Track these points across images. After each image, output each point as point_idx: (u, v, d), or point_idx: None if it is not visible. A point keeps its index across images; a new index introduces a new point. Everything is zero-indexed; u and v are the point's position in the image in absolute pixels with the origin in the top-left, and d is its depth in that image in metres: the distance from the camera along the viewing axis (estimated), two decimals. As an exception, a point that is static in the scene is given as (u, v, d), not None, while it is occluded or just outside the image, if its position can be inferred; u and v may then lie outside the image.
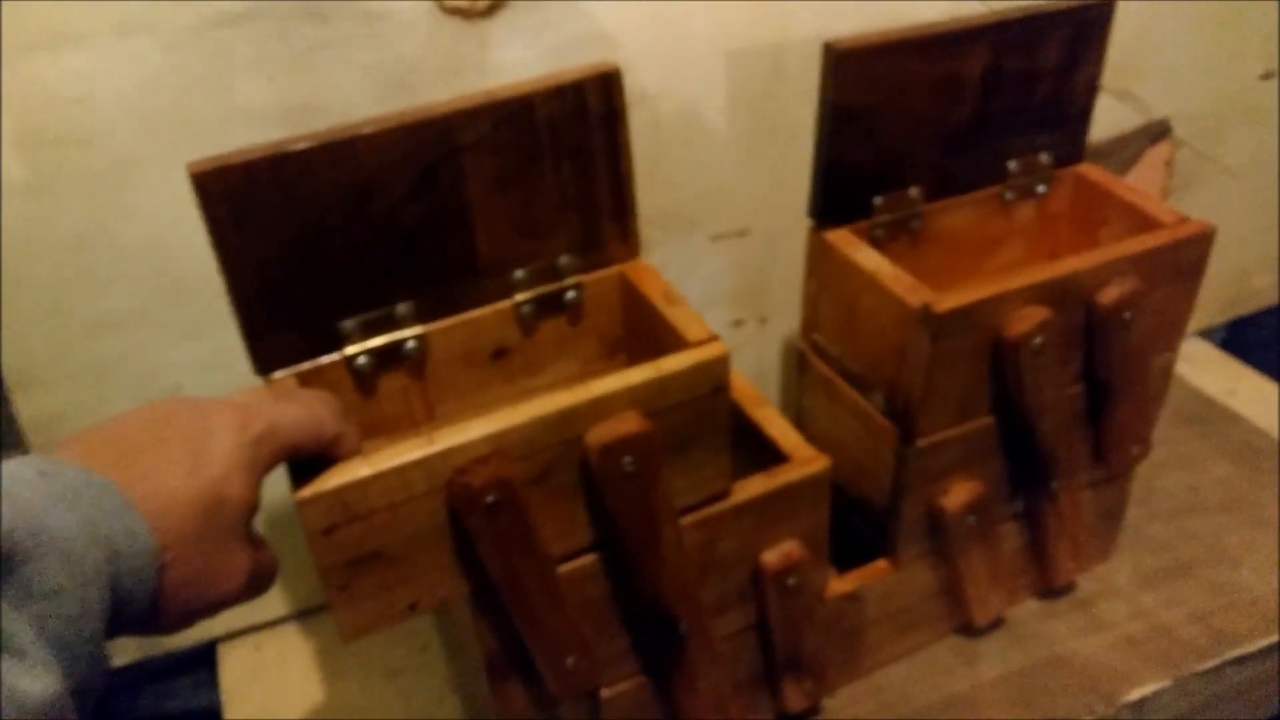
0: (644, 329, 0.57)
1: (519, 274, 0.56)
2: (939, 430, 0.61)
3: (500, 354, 0.58)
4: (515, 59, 0.65)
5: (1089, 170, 0.71)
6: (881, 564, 0.67)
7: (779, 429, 0.61)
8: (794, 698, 0.65)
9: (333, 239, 0.50)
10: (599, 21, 0.67)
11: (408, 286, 0.53)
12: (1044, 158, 0.70)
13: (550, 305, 0.58)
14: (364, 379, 0.54)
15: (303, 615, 0.78)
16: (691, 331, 0.52)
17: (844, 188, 0.64)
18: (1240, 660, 0.71)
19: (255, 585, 0.41)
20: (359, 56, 0.62)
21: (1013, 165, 0.69)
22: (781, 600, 0.60)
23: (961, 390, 0.60)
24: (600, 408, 0.48)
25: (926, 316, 0.56)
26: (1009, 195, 0.70)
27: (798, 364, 0.71)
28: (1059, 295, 0.59)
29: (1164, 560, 0.78)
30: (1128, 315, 0.61)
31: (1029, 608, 0.74)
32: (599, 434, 0.48)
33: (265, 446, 0.40)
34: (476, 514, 0.46)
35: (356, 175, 0.49)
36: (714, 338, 0.52)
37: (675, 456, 0.52)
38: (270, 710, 0.71)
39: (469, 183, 0.51)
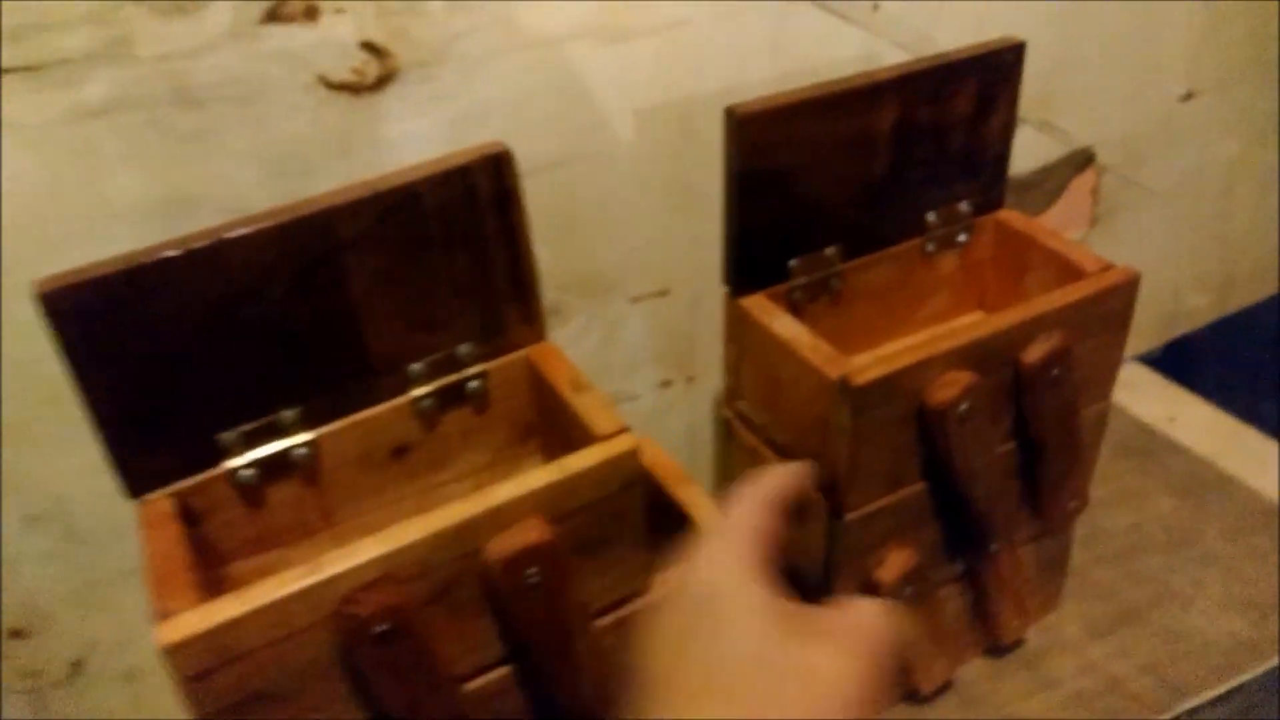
0: (553, 416, 0.54)
1: (415, 368, 0.53)
2: (870, 502, 0.59)
3: (401, 452, 0.55)
4: (410, 133, 0.62)
5: (1009, 216, 0.69)
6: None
7: (705, 512, 0.58)
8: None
9: (203, 350, 0.46)
10: (498, 89, 0.64)
11: (292, 392, 0.50)
12: (963, 206, 0.68)
13: (452, 397, 0.54)
14: (250, 492, 0.51)
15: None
16: (599, 424, 0.49)
17: (757, 253, 0.62)
18: (1194, 711, 0.69)
19: None
20: (239, 142, 0.58)
21: (932, 216, 0.67)
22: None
23: (890, 460, 0.58)
24: (500, 517, 0.45)
25: (845, 389, 0.54)
26: (930, 247, 0.68)
27: (724, 431, 0.69)
28: (983, 357, 0.57)
29: (1112, 607, 0.76)
30: (1056, 372, 0.59)
31: (977, 668, 0.72)
32: (499, 546, 0.45)
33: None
34: (367, 645, 0.43)
35: (225, 281, 0.45)
36: (622, 430, 0.49)
37: (587, 559, 0.49)
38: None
39: (353, 280, 0.48)
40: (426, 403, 0.53)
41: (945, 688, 0.70)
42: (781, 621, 0.36)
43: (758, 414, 0.64)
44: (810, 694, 0.35)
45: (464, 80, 0.63)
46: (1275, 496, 0.84)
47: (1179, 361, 1.08)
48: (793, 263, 0.63)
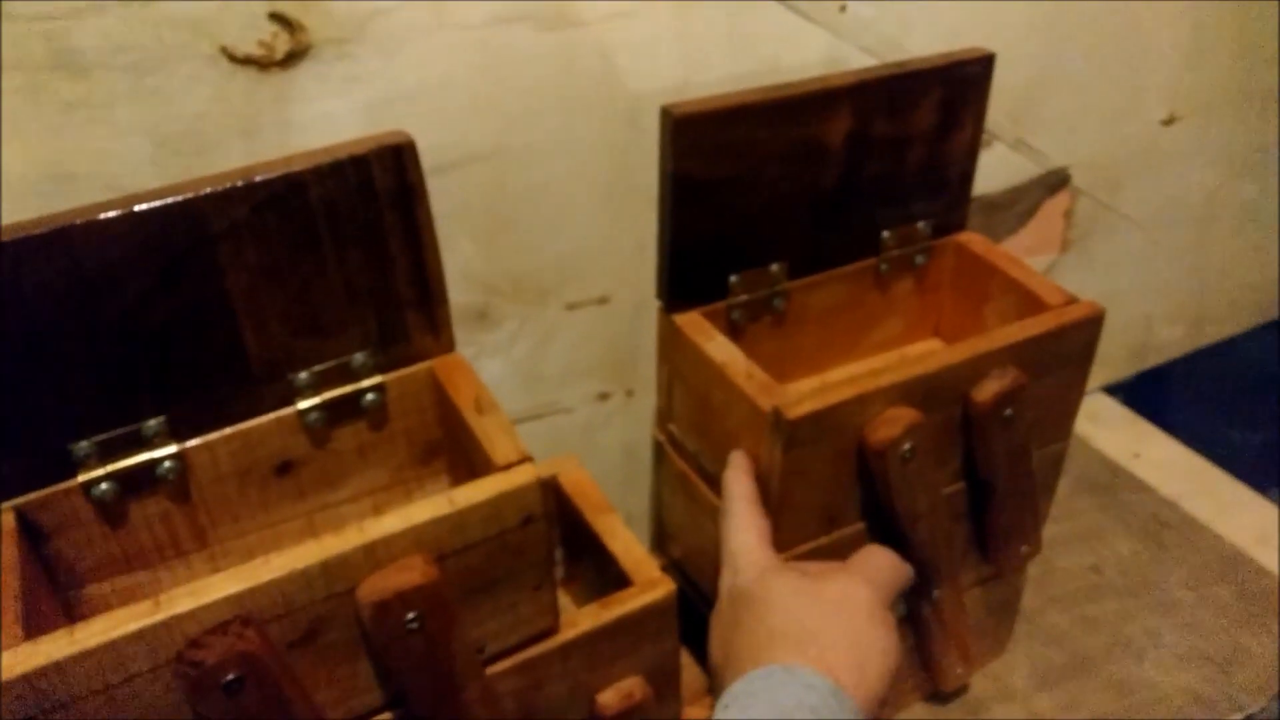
0: (457, 436, 0.49)
1: (302, 377, 0.47)
2: (803, 542, 0.54)
3: (287, 468, 0.50)
4: (323, 114, 0.57)
5: (971, 239, 0.65)
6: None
7: (623, 544, 0.54)
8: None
9: (53, 349, 0.41)
10: (424, 72, 0.59)
11: (158, 399, 0.44)
12: (921, 226, 0.63)
13: (345, 410, 0.49)
14: (109, 508, 0.45)
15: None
16: (499, 452, 0.44)
17: (694, 266, 0.57)
18: (1142, 770, 0.65)
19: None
20: (130, 116, 0.53)
21: (887, 235, 0.63)
22: (623, 745, 0.52)
23: (825, 498, 0.53)
24: (377, 554, 0.40)
25: (778, 422, 0.49)
26: (884, 268, 0.64)
27: (655, 453, 0.64)
28: (930, 393, 0.52)
29: (1062, 655, 0.72)
30: (1008, 412, 0.54)
31: (917, 712, 0.67)
32: (372, 588, 0.40)
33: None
34: (214, 695, 0.38)
35: (78, 272, 0.40)
36: (524, 459, 0.44)
37: (481, 599, 0.44)
38: None
39: (228, 277, 0.43)
40: (315, 416, 0.48)
41: (881, 738, 0.66)
42: (808, 581, 0.47)
43: (689, 439, 0.59)
44: (843, 613, 0.45)
45: (385, 61, 0.57)
46: (1239, 543, 0.81)
47: (1148, 394, 1.04)
48: (733, 279, 0.58)
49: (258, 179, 0.42)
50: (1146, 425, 0.94)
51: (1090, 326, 0.56)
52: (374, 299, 0.47)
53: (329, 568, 0.39)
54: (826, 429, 0.50)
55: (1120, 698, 0.69)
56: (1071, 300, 0.57)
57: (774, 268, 0.59)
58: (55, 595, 0.46)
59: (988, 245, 0.64)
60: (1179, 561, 0.79)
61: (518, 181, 0.64)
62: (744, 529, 0.50)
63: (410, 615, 0.41)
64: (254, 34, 0.54)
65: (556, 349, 0.71)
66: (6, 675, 0.35)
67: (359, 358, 0.48)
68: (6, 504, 0.43)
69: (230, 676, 0.38)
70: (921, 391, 0.51)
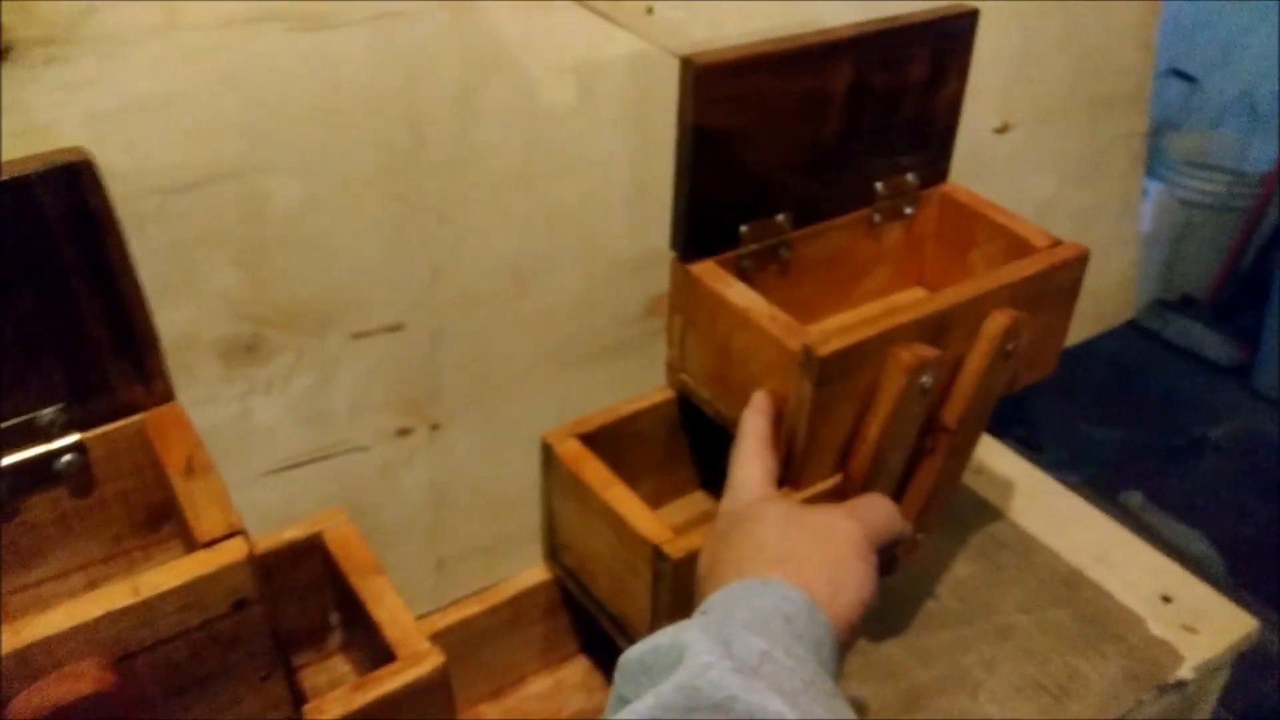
0: (174, 502, 0.42)
1: (-24, 441, 0.40)
2: (826, 477, 0.54)
3: (-32, 547, 0.42)
4: (38, 126, 0.49)
5: (955, 190, 0.66)
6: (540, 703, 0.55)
7: (388, 610, 0.47)
8: None
9: None
10: (159, 79, 0.51)
11: None
12: (910, 178, 0.64)
13: (36, 475, 0.42)
14: None
15: None
16: (205, 523, 0.38)
17: (709, 217, 0.57)
18: (977, 811, 0.62)
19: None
20: None
21: (880, 187, 0.63)
22: (390, 842, 0.45)
23: (846, 434, 0.53)
24: (36, 660, 0.33)
25: (808, 360, 0.49)
26: (877, 218, 0.64)
27: (542, 460, 0.60)
28: (941, 331, 0.53)
29: (896, 689, 0.68)
30: (1010, 347, 0.55)
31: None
32: (24, 706, 0.33)
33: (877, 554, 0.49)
34: None
35: None
36: (233, 533, 0.37)
37: (192, 700, 0.37)
38: None
39: None
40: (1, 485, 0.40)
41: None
42: (799, 509, 0.48)
43: (704, 387, 0.59)
44: (826, 540, 0.46)
45: (108, 65, 0.50)
46: (1076, 562, 0.79)
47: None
48: (744, 228, 0.58)
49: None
50: (988, 438, 0.92)
51: (1077, 265, 0.60)
52: (58, 346, 0.40)
53: (-31, 681, 0.32)
54: (852, 366, 0.51)
55: (955, 734, 0.66)
56: (1058, 242, 0.59)
57: (780, 218, 0.59)
58: None
59: (971, 195, 0.65)
60: (1016, 583, 0.77)
61: (279, 200, 0.57)
62: (751, 462, 0.51)
63: (78, 734, 0.33)
64: (-68, 30, 0.46)
65: (344, 382, 0.64)
66: None
67: (47, 414, 0.41)
68: None
69: None
70: (935, 328, 0.52)
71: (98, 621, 0.34)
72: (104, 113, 0.50)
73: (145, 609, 0.35)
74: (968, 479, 0.87)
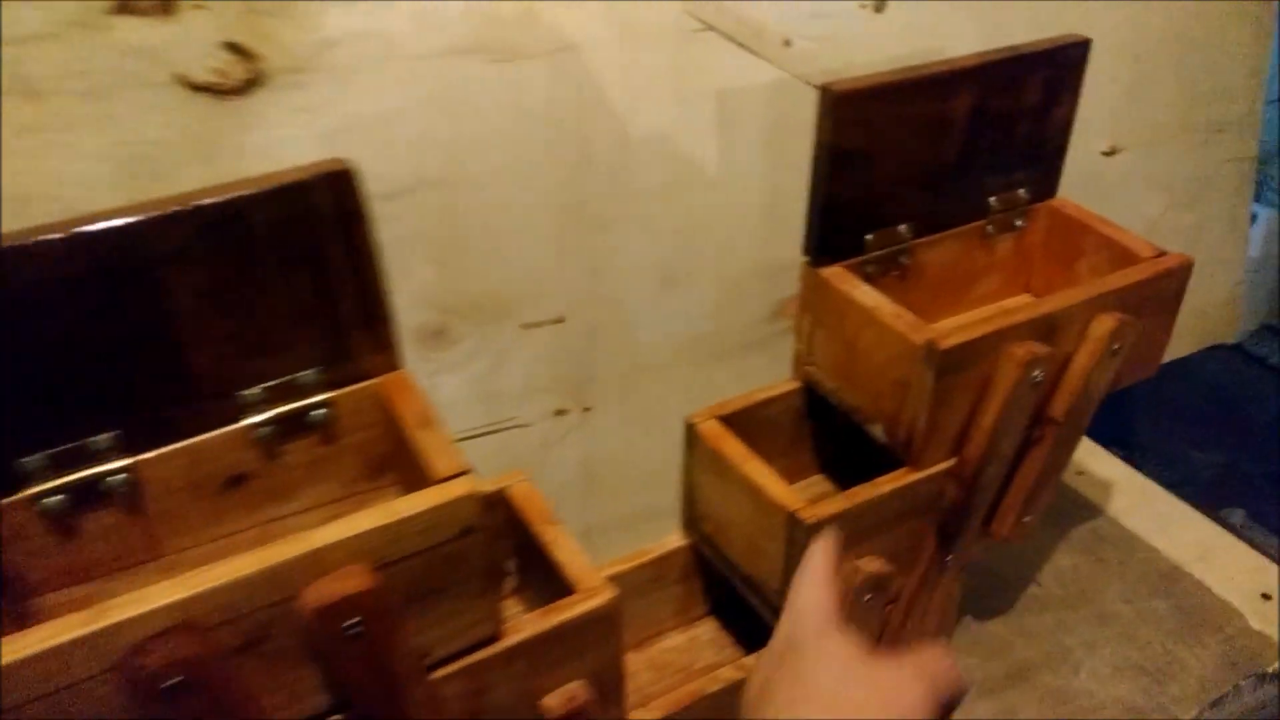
0: (404, 451, 0.51)
1: (250, 393, 0.49)
2: (937, 463, 0.61)
3: (237, 481, 0.51)
4: (281, 140, 0.59)
5: (1064, 204, 0.72)
6: (693, 689, 0.62)
7: (567, 554, 0.55)
8: None
9: (5, 365, 0.42)
10: (377, 102, 0.61)
11: (108, 416, 0.46)
12: (1022, 193, 0.70)
13: (294, 425, 0.51)
14: (60, 520, 0.47)
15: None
16: (439, 465, 0.46)
17: (838, 226, 0.64)
18: (1077, 777, 0.67)
19: None
20: (86, 141, 0.54)
21: (993, 201, 0.69)
22: (566, 748, 0.53)
23: (961, 424, 0.60)
24: (319, 562, 0.42)
25: (930, 353, 0.56)
26: (990, 229, 0.70)
27: (686, 438, 0.67)
28: (1051, 331, 0.59)
29: (1003, 664, 0.74)
30: (1116, 347, 0.61)
31: None
32: (314, 595, 0.41)
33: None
34: (156, 700, 0.39)
35: (27, 291, 0.42)
36: (463, 473, 0.46)
37: (423, 606, 0.46)
38: None
39: (173, 298, 0.45)
40: (264, 431, 0.50)
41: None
42: (859, 656, 0.44)
43: (829, 379, 0.66)
44: (885, 703, 0.42)
45: (339, 90, 0.59)
46: (1177, 559, 0.83)
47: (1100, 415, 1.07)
48: (869, 237, 0.65)
49: (201, 203, 0.44)
50: (1090, 444, 0.97)
51: (1181, 274, 0.65)
52: (320, 320, 0.49)
53: (271, 575, 0.41)
54: (970, 359, 0.57)
55: (1056, 707, 0.71)
56: (1162, 253, 0.65)
57: (902, 228, 0.66)
58: (9, 607, 0.47)
59: (1079, 208, 0.71)
60: (1117, 576, 0.82)
61: (471, 207, 0.66)
62: (817, 585, 0.48)
63: (351, 621, 0.42)
64: (209, 62, 0.56)
65: (513, 366, 0.73)
66: (-47, 679, 0.37)
67: (307, 375, 0.50)
68: (-43, 517, 0.44)
69: (172, 680, 0.39)
70: (1046, 328, 0.59)
71: (363, 535, 0.42)
72: (333, 130, 0.60)
73: (397, 528, 0.43)
74: (1073, 480, 0.92)
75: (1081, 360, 0.62)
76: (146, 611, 0.39)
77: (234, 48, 0.56)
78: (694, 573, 0.73)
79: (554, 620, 0.51)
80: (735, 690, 0.62)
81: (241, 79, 0.57)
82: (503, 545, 0.61)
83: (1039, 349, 0.58)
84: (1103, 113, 0.93)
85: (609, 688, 0.55)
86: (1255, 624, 0.77)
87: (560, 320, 0.73)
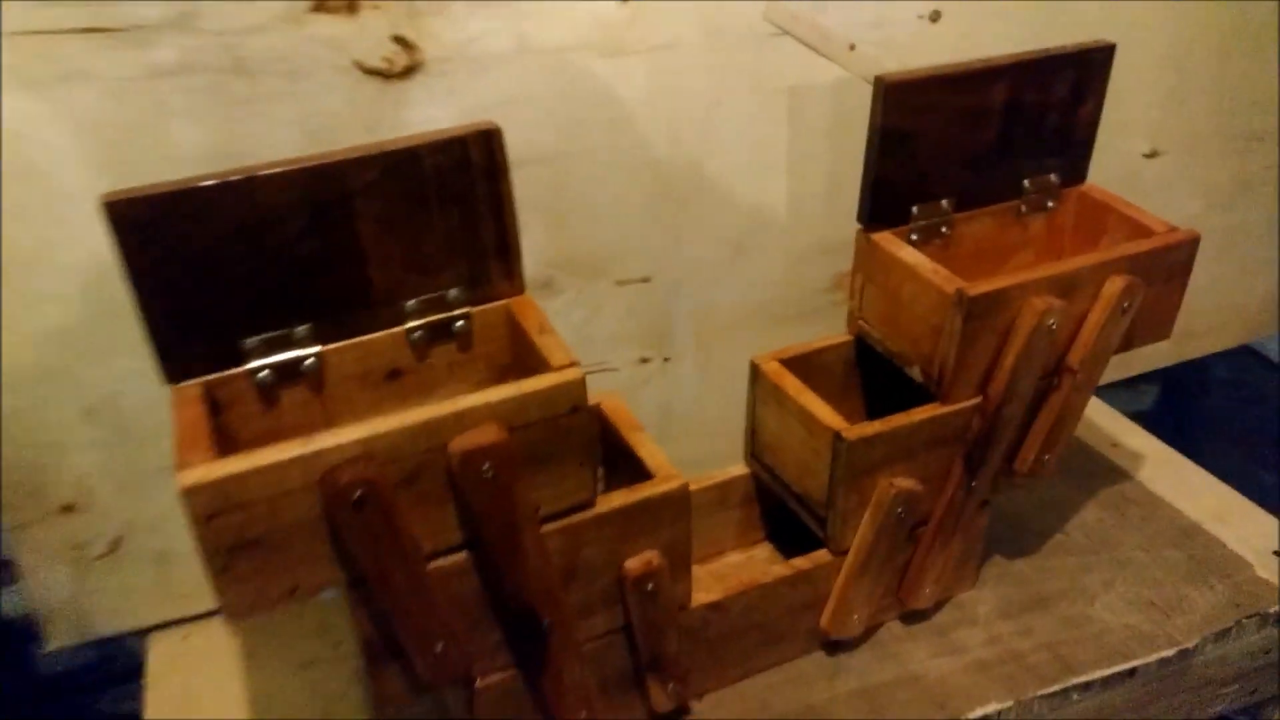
0: (525, 356, 0.64)
1: (411, 304, 0.63)
2: (965, 399, 0.72)
3: (394, 375, 0.65)
4: (429, 118, 0.73)
5: (1092, 189, 0.82)
6: (739, 566, 0.74)
7: (648, 451, 0.68)
8: (659, 698, 0.71)
9: (234, 266, 0.57)
10: (507, 87, 0.75)
11: (306, 310, 0.60)
12: (1053, 178, 0.80)
13: (441, 333, 0.64)
14: (266, 391, 0.61)
15: (225, 617, 0.84)
16: (555, 357, 0.59)
17: (888, 198, 0.75)
18: (1085, 686, 0.77)
19: None
20: (284, 111, 0.69)
21: (1027, 184, 0.80)
22: (642, 604, 0.66)
23: (984, 365, 0.71)
24: (464, 419, 0.55)
25: (960, 299, 0.67)
26: (1023, 209, 0.81)
27: (750, 377, 0.79)
28: (1069, 288, 0.70)
29: (1024, 594, 0.84)
30: (1126, 305, 0.71)
31: (892, 630, 0.80)
32: (460, 442, 0.55)
33: None
34: (344, 509, 0.53)
35: (254, 211, 0.56)
36: (573, 364, 0.59)
37: (537, 468, 0.59)
38: (187, 692, 0.77)
39: (360, 222, 0.59)
40: (418, 335, 0.64)
41: (860, 642, 0.78)
42: None
43: (877, 329, 0.77)
44: None
45: (478, 77, 0.74)
46: (1197, 518, 0.92)
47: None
48: (914, 209, 0.76)
49: (386, 149, 0.58)
50: (1127, 422, 1.06)
51: (1188, 247, 0.75)
52: (466, 249, 0.62)
53: (430, 426, 0.54)
54: (995, 307, 0.68)
55: (1071, 629, 0.81)
56: (1173, 229, 0.75)
57: (944, 202, 0.77)
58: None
59: (1105, 192, 0.81)
60: (1138, 530, 0.91)
61: (576, 179, 0.80)
62: None
63: (486, 465, 0.55)
64: (380, 52, 0.70)
65: (605, 317, 0.86)
66: (204, 480, 0.51)
67: (453, 293, 0.63)
68: (195, 380, 0.59)
69: (357, 495, 0.53)
70: (1064, 286, 0.70)
71: (497, 403, 0.55)
72: (471, 110, 0.74)
73: (523, 399, 0.56)
74: (1107, 450, 1.01)
75: (1095, 316, 0.72)
76: (341, 443, 0.53)
77: (400, 40, 0.70)
78: (754, 500, 0.85)
79: (637, 496, 0.64)
80: (783, 584, 0.74)
81: (404, 66, 0.71)
82: (595, 443, 0.73)
83: (1055, 302, 0.69)
84: (1144, 117, 1.02)
85: (678, 561, 0.67)
86: (1262, 573, 0.86)
87: (647, 280, 0.86)
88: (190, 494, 0.50)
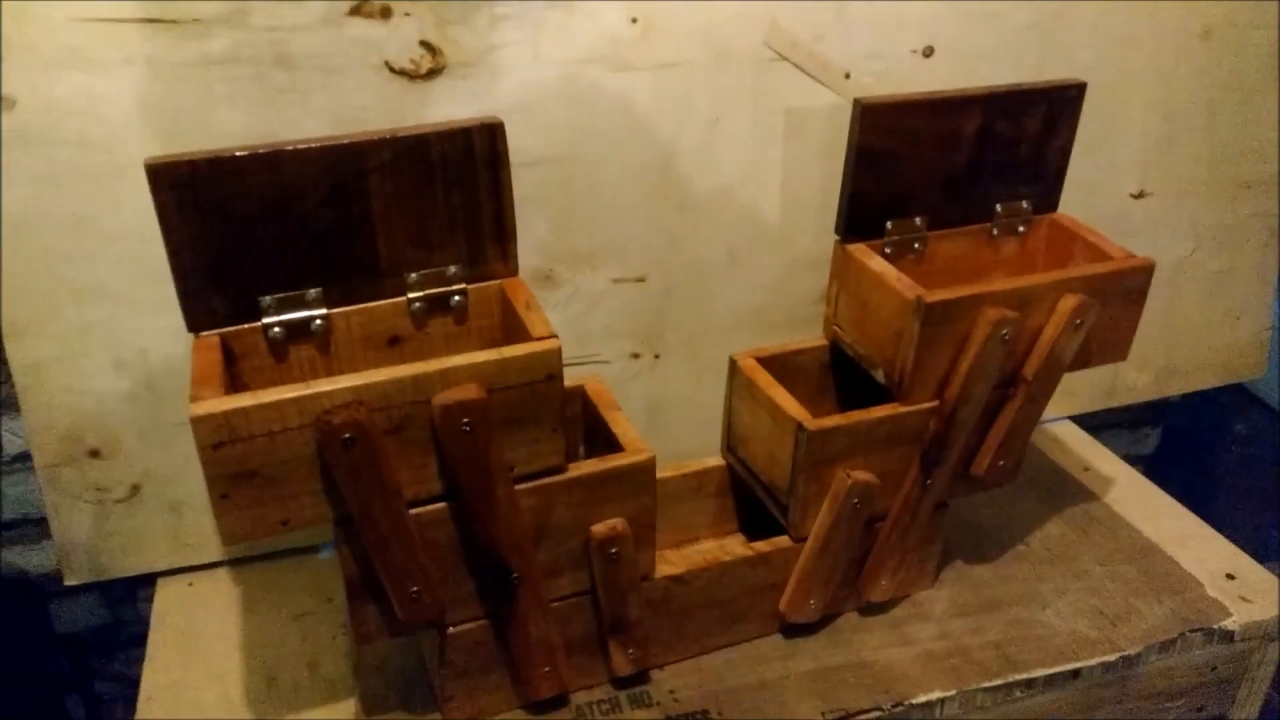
0: (514, 333, 0.71)
1: (413, 277, 0.70)
2: (923, 400, 0.77)
3: (394, 342, 0.72)
4: (448, 116, 0.80)
5: (1062, 217, 0.87)
6: (707, 550, 0.80)
7: (622, 429, 0.74)
8: (620, 662, 0.76)
9: (258, 230, 0.64)
10: (521, 93, 0.82)
11: (318, 275, 0.67)
12: (1025, 204, 0.86)
13: (439, 305, 0.71)
14: (277, 346, 0.68)
15: (233, 563, 0.91)
16: (537, 329, 0.66)
17: (863, 212, 0.81)
18: (1028, 684, 0.81)
19: None
20: (318, 102, 0.77)
21: (999, 208, 0.86)
22: (606, 567, 0.72)
23: (942, 370, 0.76)
24: (448, 377, 0.62)
25: (919, 305, 0.72)
26: (995, 231, 0.86)
27: (729, 373, 0.85)
28: (1024, 302, 0.75)
29: (979, 596, 0.88)
30: (1079, 322, 0.76)
31: (849, 620, 0.85)
32: (443, 397, 0.61)
33: None
34: (335, 447, 0.59)
35: (279, 182, 0.63)
36: (552, 336, 0.65)
37: (513, 429, 0.65)
38: (189, 631, 0.84)
39: (372, 199, 0.66)
40: (419, 305, 0.70)
41: (817, 628, 0.83)
42: None
43: (848, 333, 0.83)
44: None
45: (495, 82, 0.81)
46: (1157, 540, 0.96)
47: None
48: (889, 224, 0.82)
49: (399, 134, 0.65)
50: (1101, 448, 1.10)
51: (1142, 273, 0.80)
52: (465, 230, 0.69)
53: (417, 380, 0.61)
54: (952, 315, 0.73)
55: (1018, 630, 0.85)
56: (1131, 256, 0.80)
57: (917, 220, 0.83)
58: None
59: (1074, 221, 0.86)
60: (1098, 546, 0.95)
61: (581, 181, 0.87)
62: None
63: (465, 420, 0.62)
64: (408, 54, 0.78)
65: (601, 312, 0.92)
66: (212, 411, 0.57)
67: (452, 269, 0.70)
68: (215, 331, 0.66)
69: (347, 436, 0.59)
70: (1019, 300, 0.75)
71: (479, 364, 0.62)
72: (487, 111, 0.81)
73: (504, 363, 0.62)
74: (1079, 474, 1.05)
75: (1049, 330, 0.77)
76: (335, 389, 0.59)
77: (427, 45, 0.78)
78: (728, 490, 0.91)
79: (606, 465, 0.70)
80: (745, 564, 0.79)
81: (428, 68, 0.79)
82: (577, 427, 0.80)
83: (1009, 313, 0.74)
84: (1133, 159, 1.07)
85: (643, 531, 0.73)
86: (1212, 593, 0.89)
87: (642, 279, 0.93)
88: (199, 423, 0.57)
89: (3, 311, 0.76)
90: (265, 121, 0.76)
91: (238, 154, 0.61)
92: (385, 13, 0.76)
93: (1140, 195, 1.10)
